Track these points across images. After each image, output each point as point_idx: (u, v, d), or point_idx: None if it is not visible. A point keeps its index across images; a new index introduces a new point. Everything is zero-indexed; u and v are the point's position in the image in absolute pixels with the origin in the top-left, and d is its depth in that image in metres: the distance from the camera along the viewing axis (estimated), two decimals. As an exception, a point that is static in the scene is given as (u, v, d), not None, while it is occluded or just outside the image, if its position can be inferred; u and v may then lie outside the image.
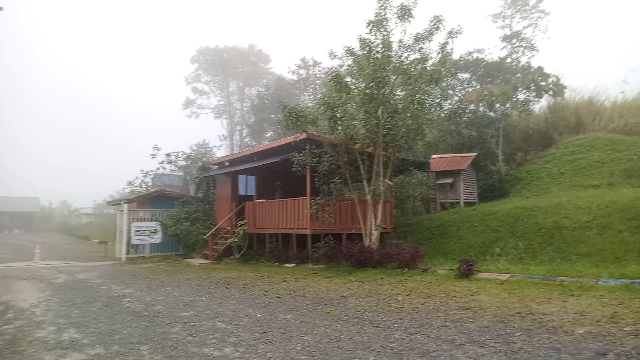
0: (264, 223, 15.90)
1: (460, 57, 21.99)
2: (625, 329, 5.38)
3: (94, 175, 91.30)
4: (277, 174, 16.71)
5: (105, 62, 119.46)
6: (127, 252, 18.16)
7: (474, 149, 19.56)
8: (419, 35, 12.50)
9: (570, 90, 21.57)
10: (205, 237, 17.65)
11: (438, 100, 14.02)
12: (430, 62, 12.51)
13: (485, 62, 21.79)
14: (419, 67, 12.41)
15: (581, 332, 5.42)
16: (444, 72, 12.75)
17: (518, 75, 20.19)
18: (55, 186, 77.14)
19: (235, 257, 16.14)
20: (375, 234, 12.79)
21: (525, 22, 23.82)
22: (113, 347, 5.65)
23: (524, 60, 21.08)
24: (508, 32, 22.88)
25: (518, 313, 6.50)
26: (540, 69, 19.98)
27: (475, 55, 22.18)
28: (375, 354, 5.07)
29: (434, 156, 18.85)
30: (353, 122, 13.02)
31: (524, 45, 21.17)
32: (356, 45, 12.83)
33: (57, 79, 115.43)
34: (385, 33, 12.54)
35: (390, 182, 13.72)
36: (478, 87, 21.90)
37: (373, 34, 12.55)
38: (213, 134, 53.95)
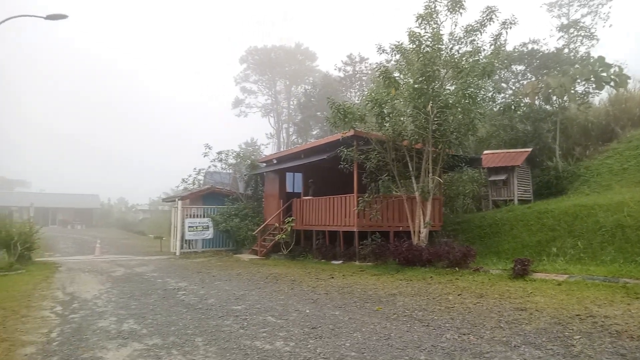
0: (311, 220, 16.02)
1: (514, 49, 21.18)
2: (701, 336, 4.99)
3: (150, 172, 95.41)
4: (324, 171, 16.79)
5: (164, 63, 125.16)
6: (181, 247, 18.84)
7: (528, 144, 18.76)
8: (471, 27, 12.15)
9: (634, 81, 20.24)
10: (254, 233, 18.04)
11: (491, 93, 13.57)
12: (482, 54, 12.12)
13: (540, 53, 20.88)
14: (470, 60, 12.06)
15: (650, 338, 5.08)
16: (497, 65, 12.29)
17: (576, 66, 19.19)
18: (114, 183, 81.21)
19: (283, 254, 16.38)
20: (424, 232, 12.57)
21: (584, 10, 22.65)
22: (170, 338, 5.88)
23: (582, 50, 20.07)
24: (565, 21, 21.80)
25: (577, 315, 6.18)
26: (601, 59, 18.86)
27: (530, 46, 21.30)
28: (427, 353, 4.98)
29: (486, 152, 18.25)
30: (401, 118, 12.83)
31: (582, 34, 20.12)
32: (404, 40, 12.66)
33: (119, 78, 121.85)
34: (435, 26, 12.27)
35: (439, 179, 13.42)
36: (533, 79, 21.00)
37: (422, 27, 12.32)
38: (260, 132, 55.15)
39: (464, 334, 5.67)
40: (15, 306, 7.99)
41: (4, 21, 15.87)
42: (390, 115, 12.78)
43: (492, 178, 17.27)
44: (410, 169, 12.91)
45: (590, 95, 19.70)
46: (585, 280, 8.46)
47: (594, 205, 12.60)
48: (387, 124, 12.87)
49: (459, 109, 12.11)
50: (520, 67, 22.14)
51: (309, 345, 5.39)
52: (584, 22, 21.20)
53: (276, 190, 18.76)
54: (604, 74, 18.78)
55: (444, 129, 12.40)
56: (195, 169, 24.18)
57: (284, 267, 13.37)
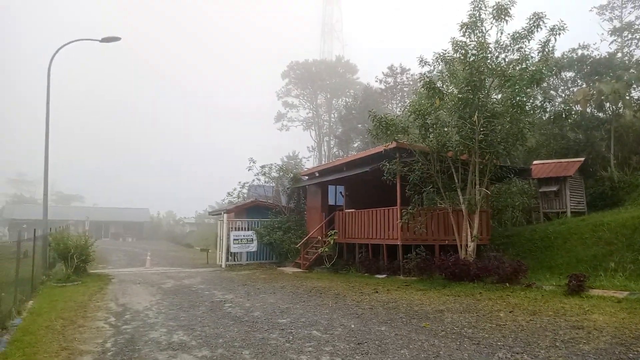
0: (354, 233, 15.93)
1: (563, 55, 20.43)
2: None
3: (195, 185, 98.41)
4: (365, 183, 16.71)
5: (212, 75, 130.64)
6: (227, 260, 19.20)
7: (581, 153, 17.96)
8: (517, 35, 11.85)
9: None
10: (297, 246, 18.14)
11: (540, 101, 13.12)
12: (530, 61, 11.77)
13: (591, 59, 20.04)
14: (517, 67, 11.74)
15: None
16: (545, 72, 11.89)
17: (632, 70, 18.28)
18: (163, 196, 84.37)
19: (326, 267, 16.34)
20: (471, 246, 12.21)
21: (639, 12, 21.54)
22: (218, 350, 5.97)
23: (638, 53, 19.03)
24: (618, 24, 20.83)
25: (643, 336, 5.80)
26: (659, 62, 17.89)
27: (580, 51, 20.51)
28: (478, 373, 4.81)
29: (535, 162, 17.60)
30: (445, 129, 12.60)
31: (638, 37, 19.10)
32: (446, 50, 12.50)
33: (173, 92, 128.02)
34: (479, 35, 12.06)
35: (487, 191, 13.04)
36: (584, 86, 20.15)
37: (467, 36, 12.14)
38: (302, 145, 55.59)
39: (517, 353, 5.44)
40: (72, 316, 8.39)
41: (65, 45, 16.94)
42: (434, 126, 12.59)
43: (543, 189, 16.61)
44: (456, 180, 12.63)
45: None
46: (649, 298, 7.93)
47: (656, 217, 11.85)
48: (431, 135, 12.68)
49: (507, 119, 11.78)
50: (570, 74, 21.33)
51: (356, 361, 5.33)
52: (639, 25, 20.14)
53: (318, 203, 18.83)
54: (663, 78, 17.78)
55: (491, 139, 12.08)
56: (239, 182, 24.82)
57: (327, 281, 13.34)
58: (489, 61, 11.91)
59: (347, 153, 38.95)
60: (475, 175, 12.33)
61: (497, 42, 12.08)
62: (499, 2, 11.87)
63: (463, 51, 11.85)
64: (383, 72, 39.30)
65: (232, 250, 19.30)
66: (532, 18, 11.74)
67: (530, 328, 6.62)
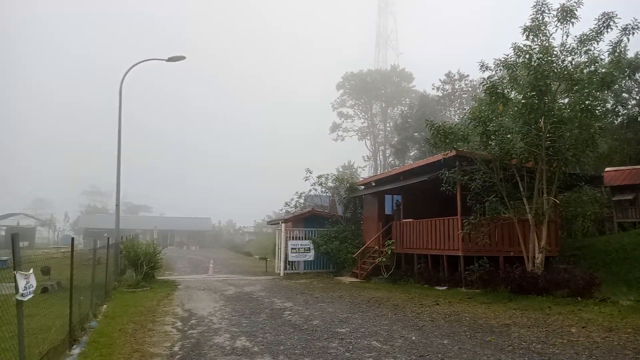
0: (412, 243, 15.65)
1: (637, 55, 19.09)
2: None
3: (254, 198, 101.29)
4: (424, 193, 16.39)
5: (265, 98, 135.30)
6: (285, 268, 19.49)
7: (659, 159, 16.66)
8: (585, 37, 11.26)
9: None
10: (354, 256, 18.07)
11: (611, 105, 12.35)
12: (599, 64, 11.14)
13: (670, 58, 18.54)
14: (586, 70, 11.15)
15: None
16: (617, 74, 11.19)
17: None
18: (223, 207, 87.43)
19: (384, 277, 16.15)
20: (539, 258, 11.63)
21: None
22: (279, 357, 6.08)
23: None
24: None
25: None
26: None
27: (656, 50, 19.03)
28: (550, 392, 4.56)
29: (608, 169, 16.52)
30: (508, 136, 12.16)
31: None
32: (508, 55, 12.09)
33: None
34: (543, 38, 11.59)
35: (555, 200, 12.38)
36: (662, 87, 18.68)
37: (530, 39, 11.71)
38: (357, 155, 55.53)
39: (593, 373, 5.11)
40: (142, 320, 8.85)
41: (134, 65, 18.12)
42: (496, 133, 12.17)
43: (617, 198, 15.56)
44: (521, 189, 12.12)
45: None
46: None
47: None
48: (493, 142, 12.27)
49: (576, 124, 11.19)
50: (646, 75, 19.86)
51: (418, 374, 5.23)
52: None
53: (375, 212, 18.70)
54: None
55: (559, 146, 11.52)
56: (297, 192, 25.22)
57: (385, 291, 13.18)
58: (554, 65, 11.41)
59: (403, 162, 38.46)
60: (542, 184, 11.78)
61: (562, 45, 11.55)
62: (564, 4, 11.37)
63: (527, 55, 11.42)
64: (440, 79, 38.56)
65: (290, 259, 19.57)
66: (601, 18, 11.13)
67: (607, 346, 6.19)
